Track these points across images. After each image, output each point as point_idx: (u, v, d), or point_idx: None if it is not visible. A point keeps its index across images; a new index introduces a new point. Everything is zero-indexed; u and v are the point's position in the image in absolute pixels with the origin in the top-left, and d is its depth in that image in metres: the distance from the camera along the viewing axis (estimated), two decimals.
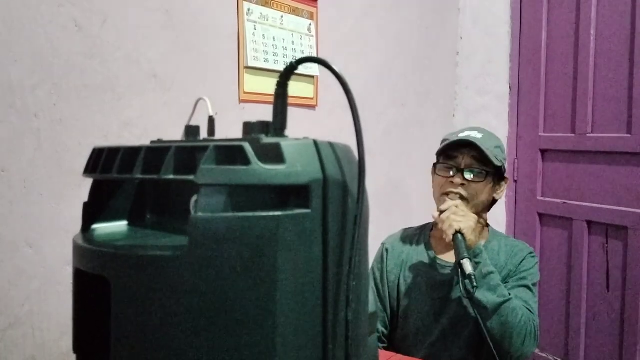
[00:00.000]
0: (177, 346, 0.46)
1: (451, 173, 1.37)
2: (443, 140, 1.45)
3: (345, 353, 0.52)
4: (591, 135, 2.18)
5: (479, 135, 1.38)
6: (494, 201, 1.46)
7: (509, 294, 1.24)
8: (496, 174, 1.40)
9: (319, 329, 0.50)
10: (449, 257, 1.41)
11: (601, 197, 2.16)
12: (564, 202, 2.29)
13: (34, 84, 1.10)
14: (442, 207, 1.32)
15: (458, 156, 1.37)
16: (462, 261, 1.20)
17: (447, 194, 1.36)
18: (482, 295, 1.22)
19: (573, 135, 2.25)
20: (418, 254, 1.47)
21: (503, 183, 1.44)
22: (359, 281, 0.54)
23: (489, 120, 2.56)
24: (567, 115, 2.29)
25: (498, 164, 1.37)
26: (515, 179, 2.51)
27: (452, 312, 1.36)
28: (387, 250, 1.51)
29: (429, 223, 1.54)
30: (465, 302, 1.34)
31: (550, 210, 2.37)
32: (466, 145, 1.37)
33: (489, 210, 1.47)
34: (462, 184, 1.35)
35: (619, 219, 2.08)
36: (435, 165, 1.45)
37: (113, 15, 1.23)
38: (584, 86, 2.20)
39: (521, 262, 1.37)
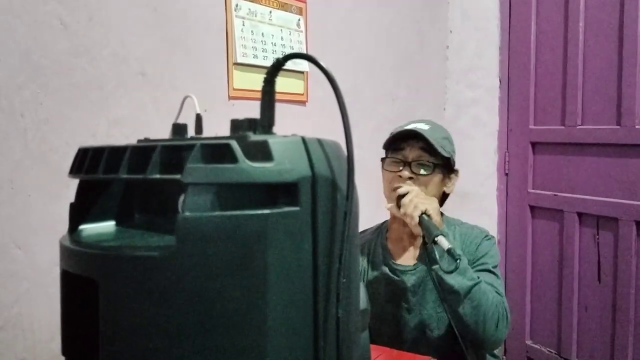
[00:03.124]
0: (167, 347, 0.46)
1: (400, 167, 1.34)
2: (390, 134, 1.41)
3: (337, 350, 0.52)
4: (581, 127, 2.19)
5: (426, 127, 1.34)
6: (445, 195, 1.43)
7: (478, 277, 1.22)
8: (445, 167, 1.37)
9: (310, 326, 0.50)
10: (407, 260, 1.38)
11: (591, 188, 2.17)
12: (555, 194, 2.30)
13: (20, 83, 1.09)
14: (401, 191, 1.28)
15: (405, 148, 1.34)
16: (437, 238, 1.13)
17: (396, 189, 1.31)
18: (452, 279, 1.19)
19: (563, 127, 2.26)
20: (377, 261, 1.42)
21: (453, 176, 1.41)
22: (349, 278, 0.54)
23: (480, 113, 2.56)
24: (557, 108, 2.30)
25: (446, 155, 1.33)
26: (507, 171, 2.52)
27: (422, 314, 1.34)
28: None
29: (384, 223, 1.51)
30: (432, 302, 1.32)
31: (541, 202, 2.38)
32: (413, 137, 1.33)
33: (441, 205, 1.42)
34: (411, 178, 1.32)
35: (609, 210, 2.09)
36: (383, 159, 1.41)
37: (99, 13, 1.22)
38: (573, 79, 2.21)
39: (477, 247, 1.34)
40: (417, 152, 1.33)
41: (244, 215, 0.46)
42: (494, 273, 1.31)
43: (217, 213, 0.46)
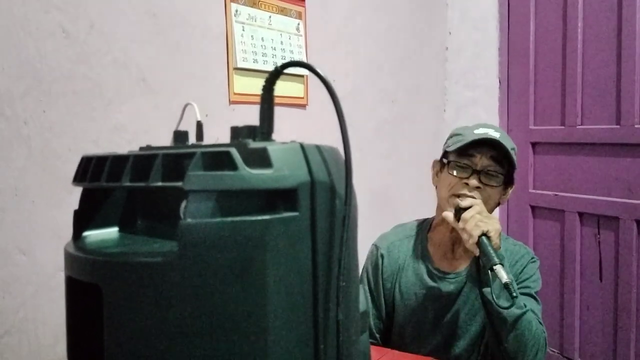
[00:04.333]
0: (170, 352, 0.47)
1: (466, 174, 1.27)
2: (454, 135, 1.34)
3: (337, 353, 0.53)
4: (581, 127, 2.20)
5: (497, 134, 1.28)
6: (497, 205, 1.37)
7: (525, 305, 1.17)
8: (508, 178, 1.33)
9: (310, 331, 0.51)
10: (447, 266, 1.34)
11: (592, 188, 2.17)
12: (556, 194, 2.31)
13: (23, 91, 1.10)
14: (464, 204, 1.21)
15: (475, 155, 1.27)
16: (495, 267, 1.08)
17: (458, 196, 1.26)
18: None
19: (563, 127, 2.27)
20: (415, 261, 1.38)
21: (510, 188, 1.36)
22: (349, 281, 0.54)
23: (479, 114, 2.57)
24: (557, 108, 2.30)
25: (514, 167, 1.29)
26: None
27: (450, 324, 1.31)
28: (382, 255, 1.42)
29: (425, 220, 1.46)
30: (464, 314, 1.30)
31: (542, 202, 2.38)
32: (484, 144, 1.27)
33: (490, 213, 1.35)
34: (478, 187, 1.26)
35: (610, 209, 2.09)
36: (443, 161, 1.34)
37: (100, 20, 1.23)
38: (572, 78, 2.21)
39: (523, 269, 1.30)
40: (487, 161, 1.27)
41: (244, 221, 0.47)
42: (535, 299, 1.27)
43: (218, 219, 0.47)
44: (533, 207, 2.43)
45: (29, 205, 1.12)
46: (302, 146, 0.52)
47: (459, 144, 1.28)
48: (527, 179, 2.44)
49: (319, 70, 0.54)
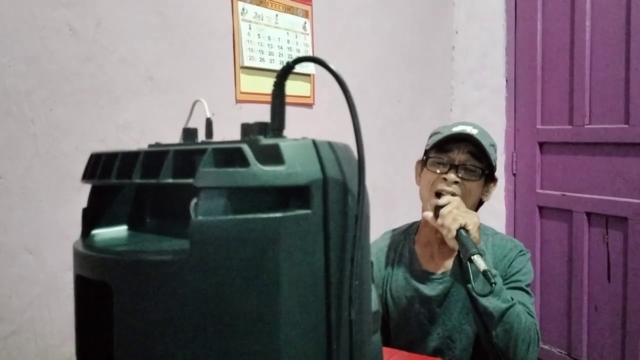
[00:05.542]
0: (181, 351, 0.46)
1: (444, 169, 1.28)
2: (433, 134, 1.36)
3: (350, 352, 0.52)
4: (589, 126, 2.18)
5: (475, 131, 1.29)
6: (480, 203, 1.37)
7: (512, 299, 1.16)
8: (488, 174, 1.33)
9: (322, 329, 0.50)
10: (434, 268, 1.34)
11: (600, 188, 2.16)
12: (563, 194, 2.30)
13: (29, 89, 1.09)
14: (442, 202, 1.22)
15: (453, 150, 1.29)
16: (473, 257, 1.07)
17: (438, 192, 1.26)
18: (486, 301, 1.12)
19: (571, 127, 2.25)
20: (403, 265, 1.38)
21: (492, 185, 1.36)
22: (361, 280, 0.54)
23: (486, 114, 2.56)
24: (565, 107, 2.29)
25: (493, 162, 1.30)
26: (514, 172, 2.52)
27: (444, 326, 1.31)
28: (371, 263, 1.39)
29: (413, 224, 1.46)
30: (457, 314, 1.29)
31: (549, 202, 2.37)
32: (461, 140, 1.29)
33: (475, 211, 1.34)
34: (456, 182, 1.26)
35: (618, 209, 2.08)
36: (423, 160, 1.36)
37: (107, 18, 1.22)
38: (580, 78, 2.20)
39: (511, 263, 1.28)
40: (465, 156, 1.28)
41: (256, 218, 0.46)
42: (526, 292, 1.26)
43: (230, 217, 0.46)
44: (540, 208, 2.41)
45: (36, 204, 1.11)
46: (314, 142, 0.51)
47: (436, 140, 1.31)
48: (535, 179, 2.42)
49: (331, 66, 0.53)
